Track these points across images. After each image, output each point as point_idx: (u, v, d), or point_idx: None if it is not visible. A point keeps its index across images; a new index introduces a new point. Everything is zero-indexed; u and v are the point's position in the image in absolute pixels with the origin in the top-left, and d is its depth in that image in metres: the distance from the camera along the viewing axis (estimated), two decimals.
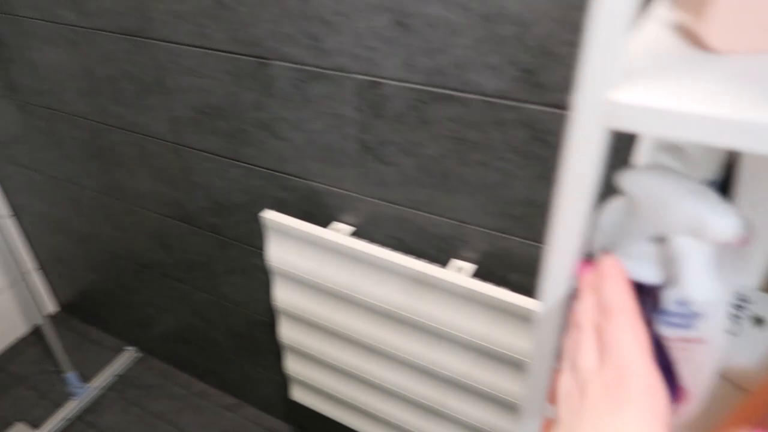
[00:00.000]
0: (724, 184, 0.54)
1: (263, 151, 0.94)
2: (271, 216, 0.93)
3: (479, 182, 0.77)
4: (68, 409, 1.51)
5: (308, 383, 1.14)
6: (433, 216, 0.84)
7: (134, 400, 1.56)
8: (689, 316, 0.42)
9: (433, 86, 0.73)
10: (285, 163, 0.93)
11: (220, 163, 1.01)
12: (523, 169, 0.73)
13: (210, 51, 0.88)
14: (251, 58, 0.85)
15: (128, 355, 1.66)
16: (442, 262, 0.86)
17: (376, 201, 0.88)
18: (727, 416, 0.44)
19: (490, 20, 0.65)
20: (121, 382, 1.61)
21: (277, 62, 0.83)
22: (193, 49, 0.89)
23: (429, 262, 0.84)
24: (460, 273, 0.82)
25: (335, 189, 0.91)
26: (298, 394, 1.21)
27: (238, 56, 0.86)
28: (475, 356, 0.84)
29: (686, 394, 0.46)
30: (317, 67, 0.80)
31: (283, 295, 1.01)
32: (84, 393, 1.55)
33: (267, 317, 1.22)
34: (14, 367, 1.64)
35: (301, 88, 0.83)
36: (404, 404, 1.00)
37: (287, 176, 0.95)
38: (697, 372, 0.44)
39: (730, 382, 0.50)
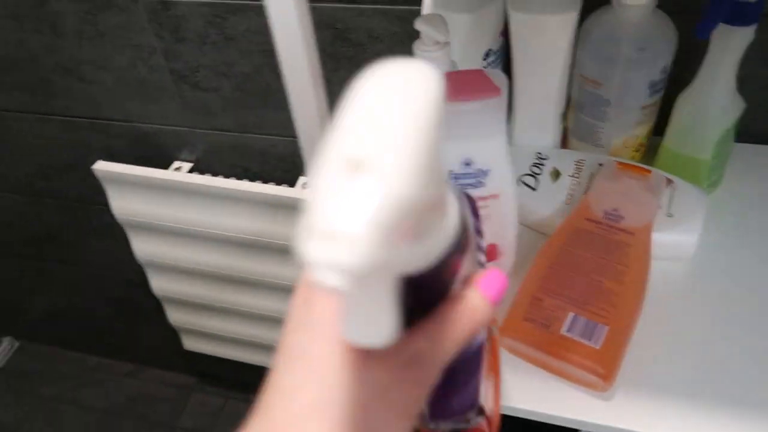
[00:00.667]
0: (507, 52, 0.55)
1: (74, 99, 0.86)
2: (102, 167, 0.86)
3: None
4: None
5: (194, 329, 1.12)
6: (268, 137, 0.81)
7: (24, 390, 1.47)
8: (477, 175, 0.43)
9: None
10: (102, 108, 0.86)
11: (31, 120, 0.92)
12: (336, 72, 0.71)
13: None
14: None
15: (4, 346, 1.56)
16: (291, 182, 0.84)
17: (207, 131, 0.83)
18: (534, 260, 0.46)
19: None
20: (3, 374, 1.51)
21: None
22: None
23: (277, 185, 0.81)
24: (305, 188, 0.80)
25: (162, 127, 0.85)
26: (189, 343, 1.18)
27: None
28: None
29: (497, 250, 0.48)
30: None
31: (141, 246, 0.96)
32: None
33: (138, 275, 1.16)
34: None
35: (91, 22, 0.75)
36: (248, 321, 1.00)
37: (109, 122, 0.87)
38: (501, 226, 0.46)
39: (534, 230, 0.52)
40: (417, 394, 0.23)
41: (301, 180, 0.83)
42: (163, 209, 0.88)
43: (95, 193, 1.01)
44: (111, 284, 1.22)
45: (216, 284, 0.97)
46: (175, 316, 1.10)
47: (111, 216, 1.02)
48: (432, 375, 0.23)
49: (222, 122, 0.81)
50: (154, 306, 1.23)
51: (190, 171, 0.87)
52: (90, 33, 0.77)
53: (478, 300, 0.24)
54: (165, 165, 0.89)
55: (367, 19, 0.64)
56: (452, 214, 0.21)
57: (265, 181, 0.84)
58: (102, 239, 1.11)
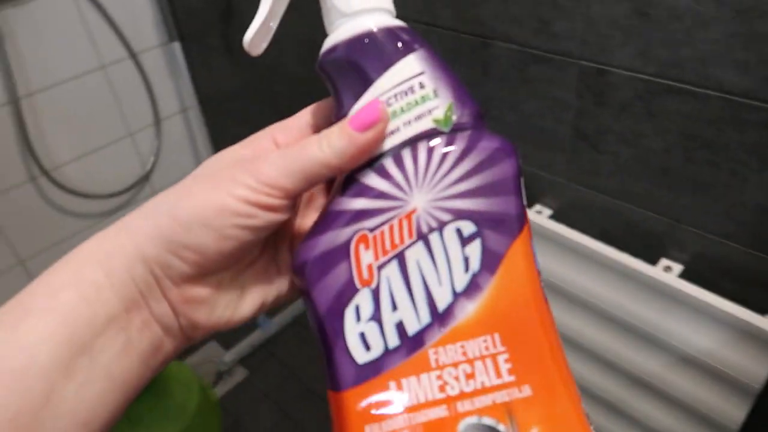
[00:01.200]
0: None
1: None
2: None
3: (704, 181, 0.74)
4: (254, 338, 1.70)
5: None
6: (646, 211, 0.82)
7: (308, 339, 1.71)
8: None
9: (667, 79, 0.70)
10: None
11: None
12: (760, 173, 0.68)
13: (434, 27, 0.91)
14: (474, 37, 0.87)
15: None
16: (647, 260, 0.84)
17: (583, 188, 0.87)
18: None
19: (745, 15, 0.61)
20: (299, 322, 1.76)
21: (500, 43, 0.84)
22: (420, 25, 0.93)
23: (633, 257, 0.82)
24: (668, 272, 0.79)
25: (540, 172, 0.91)
26: None
27: (461, 34, 0.88)
28: (673, 361, 0.82)
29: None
30: (542, 50, 0.80)
31: None
32: (268, 326, 1.72)
33: None
34: None
35: (521, 69, 0.84)
36: (587, 398, 1.00)
37: None
38: None
39: None
40: (241, 178, 0.25)
41: (663, 262, 0.82)
42: None
43: None
44: None
45: None
46: None
47: None
48: (262, 172, 0.25)
49: (603, 184, 0.84)
50: None
51: (551, 217, 0.92)
52: (514, 77, 0.85)
53: (334, 127, 0.26)
54: (528, 202, 0.95)
55: None
56: None
57: (621, 250, 0.85)
58: None
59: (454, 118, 0.26)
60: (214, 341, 1.69)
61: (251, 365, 1.66)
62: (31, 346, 0.23)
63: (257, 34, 0.28)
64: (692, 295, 0.76)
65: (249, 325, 1.73)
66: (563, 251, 0.88)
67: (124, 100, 1.49)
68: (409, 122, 0.26)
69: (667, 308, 0.80)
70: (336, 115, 0.27)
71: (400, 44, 0.27)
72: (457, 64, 0.91)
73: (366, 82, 0.26)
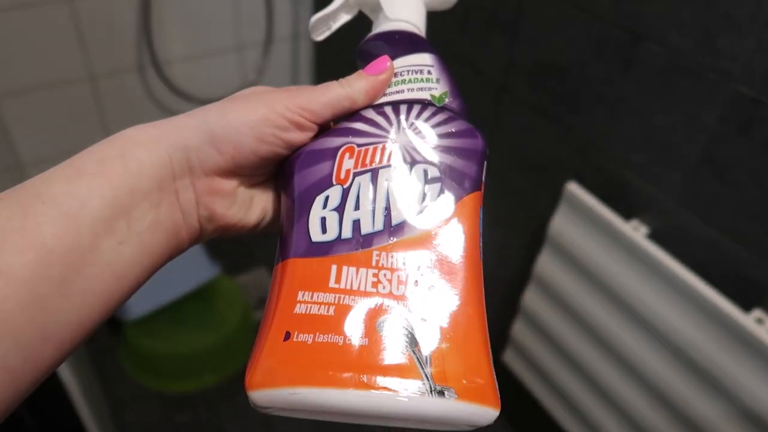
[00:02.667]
0: None
1: (587, 121, 0.93)
2: (574, 189, 0.93)
3: None
4: None
5: (527, 351, 1.16)
6: (753, 256, 0.77)
7: None
8: None
9: None
10: (605, 142, 0.91)
11: (536, 118, 1.02)
12: None
13: (583, 12, 0.87)
14: (624, 32, 0.82)
15: None
16: (740, 306, 0.80)
17: (692, 216, 0.82)
18: None
19: None
20: None
21: (653, 45, 0.79)
22: (570, 7, 0.89)
23: (726, 299, 0.78)
24: (760, 324, 0.75)
25: (648, 187, 0.87)
26: (509, 357, 1.23)
27: (611, 26, 0.84)
28: (739, 413, 0.78)
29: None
30: (696, 63, 0.75)
31: (546, 264, 1.02)
32: None
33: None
34: None
35: (666, 78, 0.79)
36: (617, 414, 0.98)
37: (601, 155, 0.93)
38: None
39: None
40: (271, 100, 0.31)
41: (757, 313, 0.78)
42: (596, 250, 0.92)
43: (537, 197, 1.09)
44: None
45: (586, 336, 0.99)
46: (519, 327, 1.15)
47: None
48: (287, 99, 0.31)
49: (715, 217, 0.80)
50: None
51: (647, 236, 0.88)
52: (655, 84, 0.81)
53: (353, 74, 0.33)
54: (621, 215, 0.91)
55: None
56: None
57: (716, 287, 0.81)
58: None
59: (446, 101, 0.33)
60: (263, 267, 1.72)
61: None
62: (84, 197, 0.26)
63: (318, 22, 0.38)
64: None
65: None
66: (652, 275, 0.85)
67: (243, 11, 1.50)
68: (413, 89, 0.33)
69: (747, 359, 0.76)
70: None
71: (420, 45, 0.35)
72: (595, 57, 0.87)
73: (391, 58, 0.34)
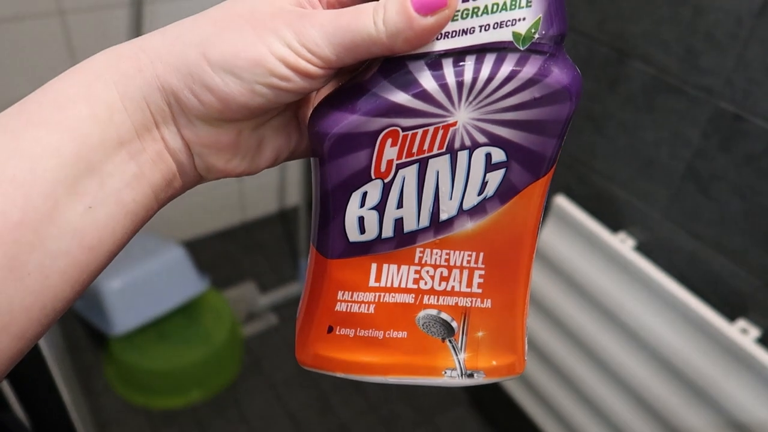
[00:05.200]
0: None
1: (575, 136, 0.95)
2: (562, 202, 0.94)
3: None
4: (291, 290, 1.72)
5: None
6: (737, 268, 0.79)
7: None
8: None
9: None
10: (593, 156, 0.93)
11: None
12: None
13: (571, 31, 0.90)
14: (611, 50, 0.85)
15: None
16: (725, 316, 0.82)
17: (678, 229, 0.85)
18: None
19: None
20: None
21: (638, 63, 0.82)
22: None
23: (711, 310, 0.80)
24: (744, 335, 0.77)
25: (636, 201, 0.89)
26: None
27: (598, 44, 0.86)
28: (725, 424, 0.80)
29: None
30: (680, 80, 0.78)
31: (536, 275, 1.03)
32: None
33: None
34: (261, 235, 1.89)
35: (651, 95, 0.82)
36: (603, 423, 0.99)
37: (589, 170, 0.95)
38: None
39: None
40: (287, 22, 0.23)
41: (741, 323, 0.80)
42: (580, 262, 0.93)
43: None
44: None
45: (574, 346, 1.00)
46: None
47: None
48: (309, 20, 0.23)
49: (700, 229, 0.82)
50: None
51: (635, 248, 0.90)
52: (641, 101, 0.83)
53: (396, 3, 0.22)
54: (610, 229, 0.93)
55: None
56: None
57: (702, 298, 0.83)
58: None
59: (536, 36, 0.24)
60: (252, 282, 1.72)
61: (283, 315, 1.68)
62: (35, 157, 0.21)
63: None
64: (763, 363, 0.74)
65: (289, 275, 1.75)
66: (639, 286, 0.87)
67: None
68: (488, 27, 0.23)
69: (731, 369, 0.78)
70: None
71: None
72: (586, 73, 0.90)
73: None
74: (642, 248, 0.91)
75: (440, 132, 0.24)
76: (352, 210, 0.26)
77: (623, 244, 0.90)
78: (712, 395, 0.80)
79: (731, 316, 0.81)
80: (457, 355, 0.29)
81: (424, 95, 0.24)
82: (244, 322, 1.63)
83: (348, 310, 0.28)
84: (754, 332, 0.79)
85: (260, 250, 1.83)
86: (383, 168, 0.25)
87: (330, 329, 0.28)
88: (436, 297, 0.28)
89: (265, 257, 1.82)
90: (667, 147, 0.82)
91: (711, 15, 0.72)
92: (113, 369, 1.46)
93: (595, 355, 0.96)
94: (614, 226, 0.94)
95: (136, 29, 1.33)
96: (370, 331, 0.28)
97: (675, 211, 0.84)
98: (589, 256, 0.93)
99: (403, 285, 0.28)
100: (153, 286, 1.41)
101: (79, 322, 1.55)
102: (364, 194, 0.26)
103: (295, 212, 1.94)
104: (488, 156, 0.25)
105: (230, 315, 1.54)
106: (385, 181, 0.25)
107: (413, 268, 0.27)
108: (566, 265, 0.96)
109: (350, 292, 0.28)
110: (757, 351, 0.75)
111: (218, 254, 1.80)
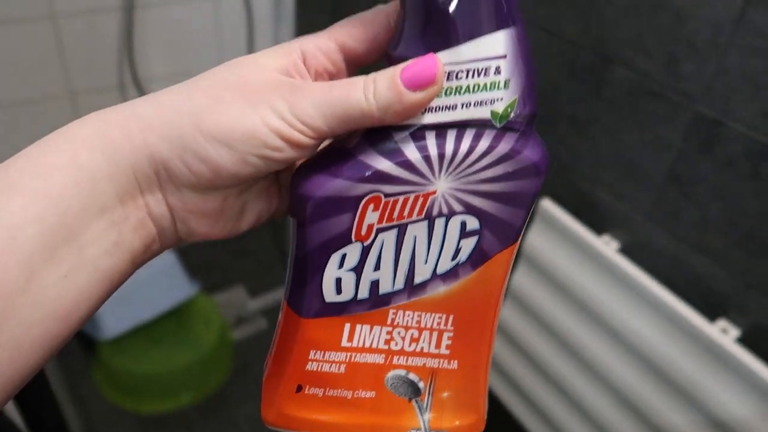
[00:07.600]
0: None
1: (560, 140, 0.97)
2: (548, 206, 0.96)
3: None
4: (279, 294, 1.72)
5: (501, 363, 1.18)
6: (717, 269, 0.81)
7: None
8: None
9: None
10: (578, 160, 0.95)
11: None
12: None
13: (556, 37, 0.92)
14: (596, 56, 0.87)
15: None
16: (706, 316, 0.84)
17: (660, 230, 0.87)
18: None
19: None
20: None
21: (622, 68, 0.84)
22: (543, 32, 0.94)
23: (692, 310, 0.82)
24: (724, 334, 0.79)
25: (618, 204, 0.91)
26: None
27: (582, 49, 0.88)
28: (704, 422, 0.81)
29: None
30: (661, 86, 0.80)
31: (521, 278, 1.05)
32: None
33: None
34: (250, 240, 1.89)
35: (634, 99, 0.84)
36: (587, 422, 1.00)
37: (572, 173, 0.97)
38: None
39: None
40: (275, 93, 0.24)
41: (721, 323, 0.81)
42: (569, 266, 0.95)
43: None
44: None
45: (560, 350, 1.01)
46: None
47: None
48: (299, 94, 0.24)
49: (681, 231, 0.84)
50: None
51: (618, 250, 0.92)
52: (624, 105, 0.85)
53: (385, 75, 0.24)
54: (592, 231, 0.95)
55: None
56: None
57: (683, 299, 0.85)
58: None
59: (512, 115, 0.25)
60: (242, 287, 1.72)
61: (272, 319, 1.69)
62: (13, 227, 0.21)
63: None
64: (743, 362, 0.76)
65: (278, 279, 1.76)
66: (623, 287, 0.88)
67: (225, 31, 1.53)
68: (469, 105, 0.25)
69: (712, 368, 0.80)
70: (394, 45, 0.26)
71: (499, 13, 0.24)
72: (570, 78, 0.92)
73: (448, 41, 0.24)
74: (625, 250, 0.93)
75: (420, 199, 0.26)
76: (330, 271, 0.27)
77: (607, 246, 0.91)
78: (693, 393, 0.82)
79: (712, 316, 0.83)
80: (422, 415, 0.29)
81: (407, 164, 0.25)
82: (233, 326, 1.63)
83: (319, 370, 0.28)
84: (734, 332, 0.80)
85: (249, 255, 1.84)
86: (364, 231, 0.26)
87: (299, 388, 0.29)
88: (405, 358, 0.29)
89: (254, 262, 1.82)
90: (649, 150, 0.84)
91: (691, 23, 0.74)
92: (102, 373, 1.46)
93: (578, 354, 0.97)
94: (598, 229, 0.96)
95: (127, 34, 1.34)
96: (339, 390, 0.29)
97: (657, 214, 0.86)
98: (574, 258, 0.94)
99: (374, 345, 0.28)
100: (142, 290, 1.41)
101: None
102: (344, 256, 0.26)
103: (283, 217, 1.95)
104: (463, 224, 0.27)
105: (220, 319, 1.54)
106: (365, 244, 0.26)
107: (385, 329, 0.28)
108: (551, 266, 0.98)
109: (322, 352, 0.28)
110: (737, 350, 0.77)
111: (208, 259, 1.80)
